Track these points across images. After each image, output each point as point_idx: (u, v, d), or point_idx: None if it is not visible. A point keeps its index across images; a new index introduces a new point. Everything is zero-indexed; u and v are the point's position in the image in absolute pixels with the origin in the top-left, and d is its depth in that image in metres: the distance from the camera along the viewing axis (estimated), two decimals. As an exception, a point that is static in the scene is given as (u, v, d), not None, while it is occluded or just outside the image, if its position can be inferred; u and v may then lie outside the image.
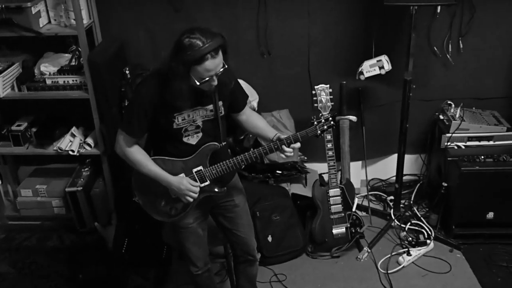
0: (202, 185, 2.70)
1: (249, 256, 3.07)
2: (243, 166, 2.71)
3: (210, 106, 2.63)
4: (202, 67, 2.37)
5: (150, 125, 2.60)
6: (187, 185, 2.63)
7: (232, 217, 2.92)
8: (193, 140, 2.65)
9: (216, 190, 2.74)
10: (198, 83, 2.43)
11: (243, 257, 3.08)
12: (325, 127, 2.62)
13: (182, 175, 2.67)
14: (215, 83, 2.47)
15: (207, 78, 2.42)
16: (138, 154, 2.64)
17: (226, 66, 2.46)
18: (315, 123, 2.62)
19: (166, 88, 2.47)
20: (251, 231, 3.04)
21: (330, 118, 2.63)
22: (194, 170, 2.68)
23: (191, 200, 2.67)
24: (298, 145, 2.63)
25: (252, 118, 2.86)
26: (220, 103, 2.66)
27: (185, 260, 3.01)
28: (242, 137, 3.78)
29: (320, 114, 2.64)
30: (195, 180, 2.68)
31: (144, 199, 2.80)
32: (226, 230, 3.00)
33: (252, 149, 2.65)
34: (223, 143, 2.72)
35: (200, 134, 2.65)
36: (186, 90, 2.46)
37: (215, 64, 2.40)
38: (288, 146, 2.62)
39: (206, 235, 2.95)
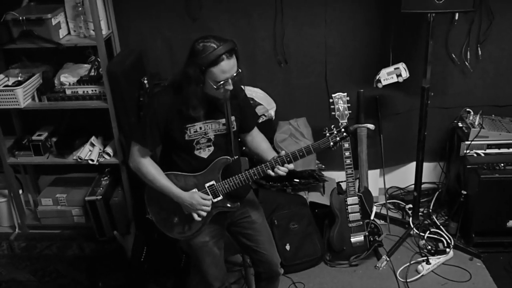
0: (215, 200, 2.70)
1: (272, 273, 3.01)
2: (255, 179, 2.69)
3: (223, 120, 2.64)
4: (218, 68, 2.40)
5: (162, 137, 2.61)
6: (198, 199, 2.63)
7: (251, 233, 2.89)
8: (204, 153, 2.65)
9: (228, 205, 2.74)
10: (215, 87, 2.44)
11: (266, 274, 3.03)
12: (338, 138, 2.59)
13: (195, 190, 2.67)
14: (231, 87, 2.48)
15: (222, 82, 2.43)
16: (151, 168, 2.65)
17: (240, 71, 2.49)
18: (327, 134, 2.60)
19: (179, 98, 2.49)
20: (273, 247, 2.98)
21: (343, 129, 2.59)
22: (207, 185, 2.68)
23: (204, 214, 2.66)
24: (291, 166, 2.62)
25: (257, 139, 2.87)
26: (233, 118, 2.67)
27: (202, 281, 2.92)
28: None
29: (333, 126, 2.61)
30: (208, 195, 2.68)
31: (157, 217, 2.80)
32: (247, 248, 2.97)
33: (264, 163, 2.64)
34: (235, 157, 2.72)
35: (212, 148, 2.66)
36: (199, 99, 2.48)
37: (230, 65, 2.43)
38: (295, 161, 2.60)
39: (222, 254, 2.90)
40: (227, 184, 2.67)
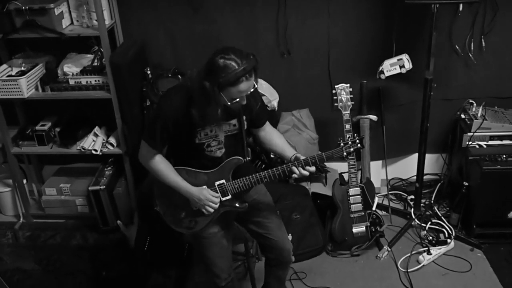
0: (224, 198, 2.71)
1: (283, 259, 3.02)
2: (265, 182, 2.71)
3: (233, 121, 2.63)
4: (236, 88, 2.35)
5: (171, 138, 2.58)
6: (207, 195, 2.63)
7: (260, 221, 2.90)
8: (215, 154, 2.65)
9: (237, 205, 2.75)
10: (229, 103, 2.41)
11: (276, 260, 3.04)
12: (351, 149, 2.61)
13: (204, 187, 2.67)
14: (244, 102, 2.46)
15: (238, 99, 2.42)
16: (160, 164, 2.63)
17: (256, 86, 2.46)
18: (342, 144, 2.62)
19: (192, 104, 2.46)
20: (283, 233, 2.99)
21: (357, 141, 2.62)
22: (217, 183, 2.69)
23: (211, 210, 2.67)
24: (313, 168, 2.63)
25: (270, 135, 2.84)
26: (244, 117, 2.65)
27: (207, 271, 2.94)
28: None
29: (348, 136, 2.65)
30: (217, 193, 2.69)
31: (165, 209, 2.80)
32: (258, 236, 2.97)
33: (275, 167, 2.65)
34: (247, 158, 2.72)
35: (223, 150, 2.65)
36: (213, 108, 2.45)
37: (248, 86, 2.39)
38: (311, 166, 2.61)
39: (230, 247, 2.92)
40: (237, 184, 2.68)
